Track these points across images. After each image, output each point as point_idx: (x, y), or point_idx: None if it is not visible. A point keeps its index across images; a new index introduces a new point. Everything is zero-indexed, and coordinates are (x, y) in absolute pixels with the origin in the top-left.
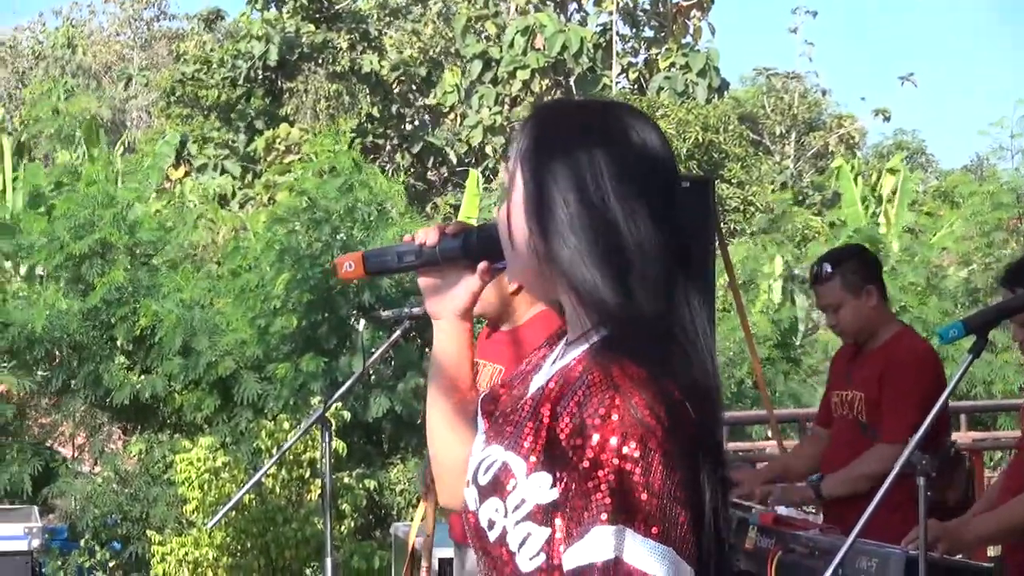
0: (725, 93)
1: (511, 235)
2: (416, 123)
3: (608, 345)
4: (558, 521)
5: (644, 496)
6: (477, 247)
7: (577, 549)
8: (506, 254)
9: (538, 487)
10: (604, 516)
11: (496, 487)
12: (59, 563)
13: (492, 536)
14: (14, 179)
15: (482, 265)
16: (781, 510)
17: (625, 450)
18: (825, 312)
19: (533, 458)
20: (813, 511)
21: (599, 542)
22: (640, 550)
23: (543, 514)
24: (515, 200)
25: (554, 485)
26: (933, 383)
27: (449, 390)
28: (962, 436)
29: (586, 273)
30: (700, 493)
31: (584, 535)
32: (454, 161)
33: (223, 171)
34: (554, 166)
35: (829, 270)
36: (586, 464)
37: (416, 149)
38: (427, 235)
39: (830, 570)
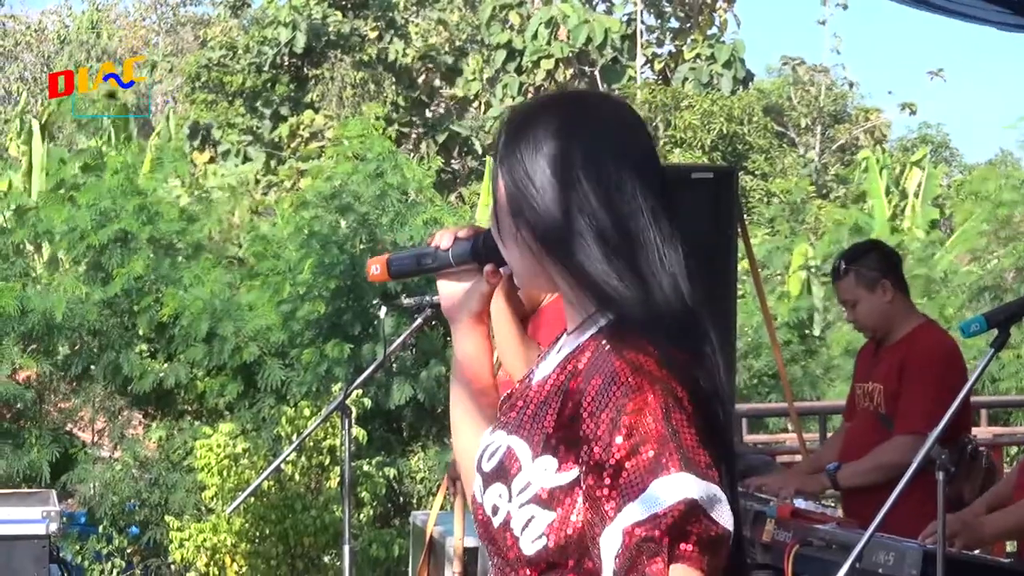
0: (750, 84)
1: (501, 234)
2: (440, 112)
3: (617, 331)
4: (571, 503)
5: (697, 449)
6: (485, 250)
7: (627, 510)
8: (502, 253)
9: (543, 470)
10: (675, 464)
11: (500, 472)
12: (77, 548)
13: (496, 522)
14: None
15: (488, 267)
16: (799, 503)
17: (643, 447)
18: (844, 307)
19: (539, 442)
20: (831, 504)
21: (675, 487)
22: (707, 487)
23: (548, 497)
24: (499, 199)
25: (560, 469)
26: (952, 376)
27: (470, 390)
28: (982, 431)
29: (576, 259)
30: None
31: (657, 484)
32: (480, 151)
33: (247, 157)
34: (527, 160)
35: (844, 266)
36: (608, 458)
37: (442, 138)
38: (442, 238)
39: (847, 564)
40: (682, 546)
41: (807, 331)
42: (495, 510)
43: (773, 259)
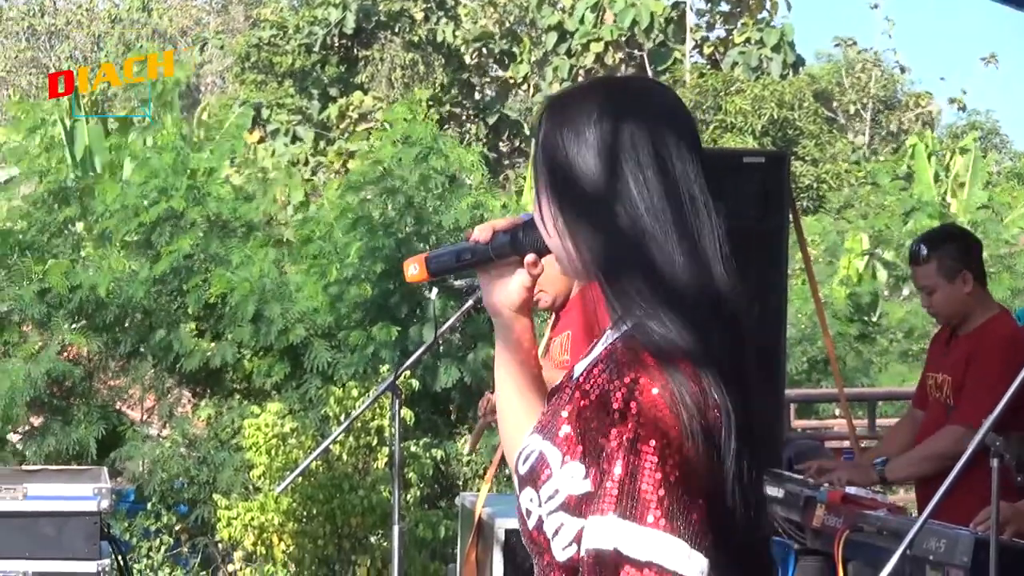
0: (800, 69)
1: (543, 220)
2: (491, 94)
3: (635, 331)
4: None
5: (655, 490)
6: (525, 241)
7: (586, 536)
8: (546, 241)
9: (571, 477)
10: (610, 506)
11: (532, 477)
12: (125, 525)
13: (530, 524)
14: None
15: (530, 258)
16: (850, 489)
17: (639, 444)
18: (920, 293)
19: (567, 448)
20: (881, 491)
21: (601, 532)
22: (644, 542)
23: (576, 505)
24: (539, 189)
25: (587, 476)
26: (1016, 369)
27: (516, 383)
28: None
29: (604, 253)
30: (720, 483)
31: (590, 524)
32: (528, 133)
33: (295, 137)
34: (569, 147)
35: (926, 252)
36: (605, 453)
37: (492, 120)
38: (481, 232)
39: (900, 551)
40: None
41: (865, 317)
42: (528, 513)
43: (827, 245)
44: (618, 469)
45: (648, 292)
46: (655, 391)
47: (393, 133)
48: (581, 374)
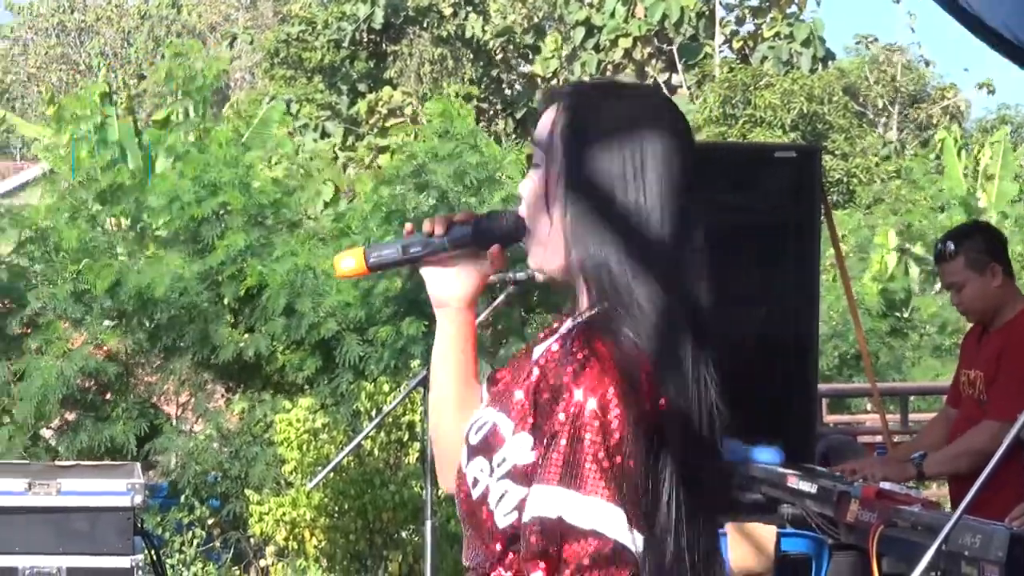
0: (830, 63)
1: (548, 207)
2: (518, 89)
3: (599, 319)
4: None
5: (598, 462)
6: (488, 232)
7: (529, 504)
8: (529, 221)
9: (519, 447)
10: (555, 476)
11: (484, 446)
12: (158, 520)
13: (475, 494)
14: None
15: (494, 249)
16: (884, 485)
17: (584, 419)
18: (950, 291)
19: (519, 419)
20: (914, 486)
21: (546, 500)
22: (586, 510)
23: (520, 474)
24: (550, 174)
25: (533, 448)
26: None
27: (456, 376)
28: None
29: (602, 248)
30: (657, 478)
31: (535, 492)
32: (536, 107)
33: (324, 132)
34: (593, 148)
35: (952, 248)
36: (552, 425)
37: (520, 115)
38: (434, 224)
39: (935, 546)
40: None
41: (897, 312)
42: (475, 482)
43: (858, 240)
44: (564, 441)
45: (628, 290)
46: (602, 372)
47: (432, 127)
48: (540, 354)
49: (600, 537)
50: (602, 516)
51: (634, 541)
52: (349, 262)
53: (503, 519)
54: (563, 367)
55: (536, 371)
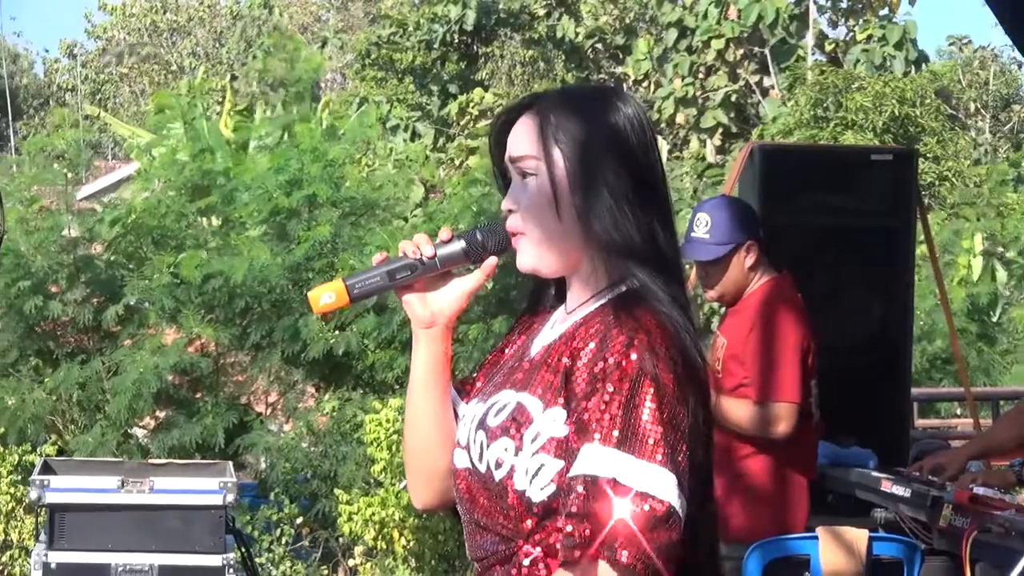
0: (923, 66)
1: (558, 206)
2: None
3: (633, 296)
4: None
5: (654, 426)
6: (483, 246)
7: (580, 463)
8: (527, 227)
9: (553, 421)
10: (611, 439)
11: (510, 425)
12: (248, 518)
13: (498, 475)
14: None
15: (491, 260)
16: (978, 490)
17: (640, 387)
18: None
19: (549, 396)
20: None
21: (601, 461)
22: (641, 472)
23: (557, 447)
24: (554, 171)
25: (567, 421)
26: None
27: (434, 396)
28: None
29: (615, 230)
30: (697, 444)
31: (587, 453)
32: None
33: (415, 133)
34: (593, 142)
35: None
36: (604, 389)
37: None
38: (418, 247)
39: None
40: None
41: (985, 317)
42: (499, 463)
43: (942, 242)
44: (619, 409)
45: (647, 268)
46: (650, 341)
47: None
48: (561, 336)
49: (654, 499)
50: (657, 479)
51: (683, 506)
52: (329, 297)
53: (539, 493)
54: (610, 340)
55: (567, 351)
